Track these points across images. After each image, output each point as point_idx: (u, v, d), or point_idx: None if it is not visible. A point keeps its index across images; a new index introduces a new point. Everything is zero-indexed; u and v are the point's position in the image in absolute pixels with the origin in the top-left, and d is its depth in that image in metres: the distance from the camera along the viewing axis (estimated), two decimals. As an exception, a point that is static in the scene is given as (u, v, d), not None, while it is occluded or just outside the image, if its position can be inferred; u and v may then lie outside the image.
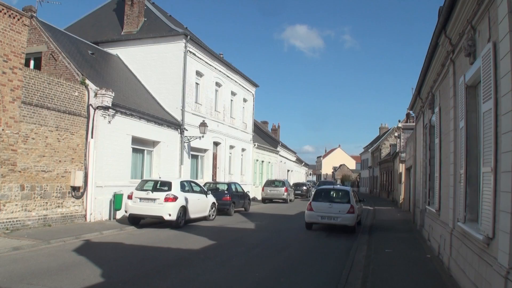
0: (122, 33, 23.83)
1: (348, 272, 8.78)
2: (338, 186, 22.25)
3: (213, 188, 21.21)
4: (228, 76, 28.56)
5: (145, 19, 24.27)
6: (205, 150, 25.53)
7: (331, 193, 16.97)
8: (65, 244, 11.14)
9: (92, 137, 15.40)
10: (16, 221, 12.41)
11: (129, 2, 23.85)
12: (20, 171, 12.59)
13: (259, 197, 33.15)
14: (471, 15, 6.51)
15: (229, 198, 20.55)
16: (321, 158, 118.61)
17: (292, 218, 20.85)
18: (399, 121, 41.24)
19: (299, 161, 61.46)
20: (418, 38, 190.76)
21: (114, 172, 16.52)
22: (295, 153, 57.85)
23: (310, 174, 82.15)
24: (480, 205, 6.41)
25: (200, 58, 24.31)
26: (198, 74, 24.40)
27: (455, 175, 8.14)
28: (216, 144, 26.96)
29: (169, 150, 20.94)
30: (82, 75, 15.79)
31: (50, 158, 13.81)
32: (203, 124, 22.52)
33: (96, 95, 15.50)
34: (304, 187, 41.86)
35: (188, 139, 22.43)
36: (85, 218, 15.17)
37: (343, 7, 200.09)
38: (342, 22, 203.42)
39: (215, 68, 26.43)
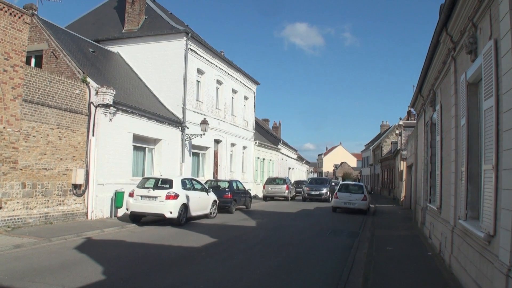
0: (123, 31, 23.81)
1: (350, 270, 8.79)
2: (355, 182, 27.89)
3: (214, 186, 21.23)
4: (229, 74, 28.54)
5: (146, 17, 24.25)
6: (206, 148, 25.53)
7: (350, 186, 24.26)
8: (67, 242, 11.17)
9: (93, 135, 15.41)
10: (18, 218, 12.44)
11: (130, 0, 23.83)
12: (21, 169, 12.61)
13: (260, 195, 33.16)
14: (472, 12, 6.50)
15: (230, 196, 20.56)
16: (322, 156, 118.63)
17: (294, 216, 20.86)
18: (400, 119, 41.19)
19: (300, 159, 61.43)
20: (419, 36, 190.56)
21: (115, 170, 16.54)
22: (296, 151, 57.82)
23: (311, 172, 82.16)
24: (481, 203, 6.41)
25: (201, 56, 24.30)
26: (199, 72, 24.39)
27: (456, 173, 8.14)
28: (217, 141, 26.97)
29: (170, 148, 20.95)
30: (83, 73, 15.79)
31: (52, 156, 13.83)
32: (204, 122, 22.52)
33: (97, 93, 15.51)
34: (305, 185, 41.80)
35: (189, 137, 22.44)
36: (87, 216, 15.20)
37: (342, 5, 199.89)
38: (342, 20, 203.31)
39: (216, 66, 26.41)
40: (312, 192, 32.25)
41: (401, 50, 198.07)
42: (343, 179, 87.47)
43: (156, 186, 15.41)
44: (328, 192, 32.14)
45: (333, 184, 37.68)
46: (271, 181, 32.94)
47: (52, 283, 7.05)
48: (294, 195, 35.21)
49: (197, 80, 24.17)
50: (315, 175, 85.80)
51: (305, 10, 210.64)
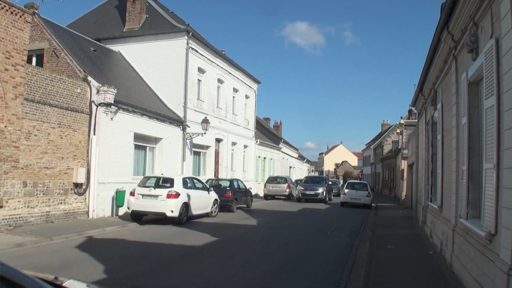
0: (124, 30, 23.83)
1: (351, 268, 8.80)
2: (360, 181, 30.90)
3: (215, 185, 21.22)
4: (230, 73, 28.54)
5: (147, 16, 24.25)
6: (207, 147, 25.55)
7: (356, 185, 28.54)
8: (68, 240, 11.18)
9: (94, 134, 15.42)
10: (19, 217, 12.46)
11: (131, -1, 23.86)
12: (22, 168, 12.63)
13: (261, 194, 33.17)
14: (473, 11, 6.49)
15: (231, 195, 20.57)
16: (323, 155, 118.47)
17: (295, 215, 20.87)
18: (401, 118, 41.24)
19: (301, 157, 61.43)
20: (420, 35, 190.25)
21: (116, 168, 16.55)
22: (297, 149, 57.81)
23: (312, 171, 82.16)
24: (482, 202, 6.41)
25: (202, 55, 24.30)
26: (200, 70, 24.39)
27: (457, 172, 8.13)
28: (218, 140, 26.99)
29: (171, 147, 20.96)
30: (84, 71, 15.80)
31: (53, 154, 13.85)
32: (205, 121, 22.52)
33: (98, 91, 15.51)
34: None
35: (190, 136, 22.45)
36: (88, 214, 15.22)
37: (343, 4, 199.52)
38: (342, 18, 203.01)
39: (217, 65, 26.41)
40: (307, 192, 29.57)
41: (402, 49, 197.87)
42: (344, 178, 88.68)
43: (157, 185, 15.43)
44: (325, 192, 29.84)
45: (330, 183, 35.05)
46: (272, 180, 32.93)
47: (54, 282, 7.06)
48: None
49: (198, 79, 24.17)
50: (316, 174, 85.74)
51: (306, 9, 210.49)
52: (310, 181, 32.11)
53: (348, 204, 26.32)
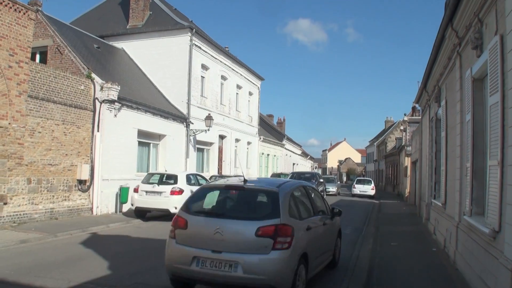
0: (128, 27, 23.83)
1: (354, 265, 8.80)
2: (365, 177, 43.29)
3: (218, 182, 21.17)
4: (233, 70, 28.50)
5: (151, 13, 24.25)
6: (210, 144, 25.56)
7: (362, 180, 38.03)
8: (72, 237, 11.23)
9: (98, 131, 15.46)
10: (23, 214, 12.52)
11: (134, -4, 23.84)
12: (27, 165, 12.68)
13: (265, 191, 33.10)
14: (478, 7, 6.46)
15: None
16: (327, 152, 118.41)
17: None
18: (405, 115, 41.11)
19: (304, 154, 61.39)
20: (423, 32, 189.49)
21: (120, 165, 16.59)
22: (300, 146, 57.77)
23: (315, 168, 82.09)
24: (486, 199, 6.40)
25: (206, 52, 24.27)
26: (204, 67, 24.37)
27: (461, 169, 8.11)
28: (221, 137, 26.98)
29: (175, 144, 20.98)
30: (88, 68, 15.83)
31: (57, 151, 13.89)
32: (208, 118, 22.52)
33: (102, 88, 15.54)
34: (309, 181, 41.47)
35: (193, 133, 22.46)
36: (92, 211, 15.28)
37: (345, 0, 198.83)
38: (345, 15, 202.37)
39: (221, 62, 26.37)
40: None
41: (405, 46, 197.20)
42: (348, 175, 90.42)
43: (161, 182, 15.46)
44: None
45: (321, 180, 29.44)
46: (276, 176, 32.89)
47: (58, 278, 7.10)
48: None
49: (201, 76, 24.16)
50: (319, 171, 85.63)
51: (308, 6, 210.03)
52: (297, 176, 26.88)
53: (358, 196, 34.36)
